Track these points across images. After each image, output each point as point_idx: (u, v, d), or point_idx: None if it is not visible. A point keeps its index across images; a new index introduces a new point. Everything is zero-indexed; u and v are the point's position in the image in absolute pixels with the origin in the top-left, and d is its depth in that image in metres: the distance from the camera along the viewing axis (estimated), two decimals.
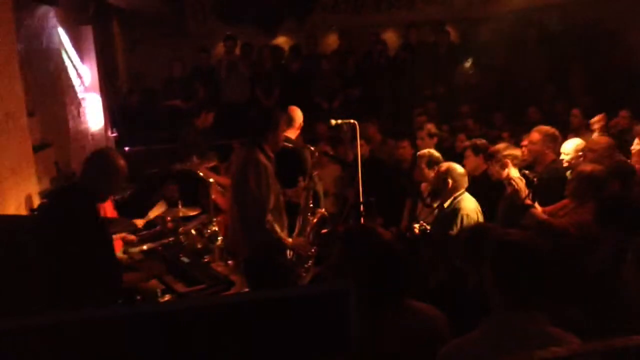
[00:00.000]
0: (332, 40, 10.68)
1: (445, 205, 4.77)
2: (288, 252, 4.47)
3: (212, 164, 6.08)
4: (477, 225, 4.17)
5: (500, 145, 5.19)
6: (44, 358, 1.60)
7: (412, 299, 2.72)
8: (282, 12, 8.93)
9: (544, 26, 9.75)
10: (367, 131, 6.63)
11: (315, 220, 4.75)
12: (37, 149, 5.67)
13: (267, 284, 4.18)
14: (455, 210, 4.64)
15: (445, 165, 4.88)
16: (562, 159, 5.16)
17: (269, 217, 4.21)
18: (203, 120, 7.31)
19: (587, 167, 4.36)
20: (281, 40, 10.38)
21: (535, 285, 2.23)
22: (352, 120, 4.85)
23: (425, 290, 2.91)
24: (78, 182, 3.69)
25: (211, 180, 5.49)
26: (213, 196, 5.40)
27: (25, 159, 5.30)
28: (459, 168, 4.82)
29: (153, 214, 5.29)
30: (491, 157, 5.08)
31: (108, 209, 5.29)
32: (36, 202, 5.23)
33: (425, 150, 5.64)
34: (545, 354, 1.43)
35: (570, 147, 5.20)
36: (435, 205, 4.99)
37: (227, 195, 5.36)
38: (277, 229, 4.28)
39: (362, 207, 4.82)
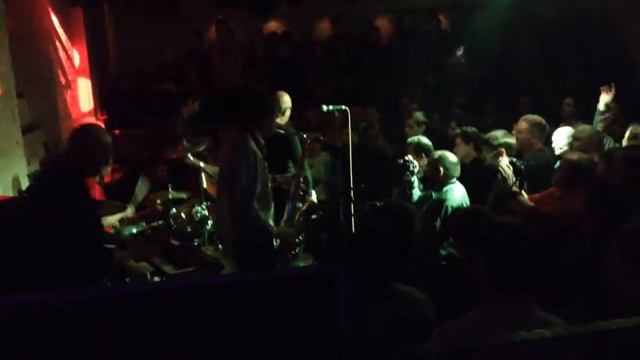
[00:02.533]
0: (324, 27, 10.64)
1: (433, 194, 4.80)
2: (274, 239, 4.48)
3: (201, 148, 6.07)
4: (469, 209, 4.20)
5: (498, 132, 5.22)
6: (32, 338, 1.61)
7: (399, 282, 2.75)
8: None
9: (536, 15, 9.76)
10: (366, 115, 6.66)
11: (304, 208, 4.77)
12: (26, 130, 5.64)
13: (255, 267, 4.20)
14: (441, 201, 4.67)
15: (437, 153, 4.90)
16: (554, 147, 5.21)
17: (255, 204, 4.22)
18: (189, 107, 7.29)
19: (574, 156, 4.40)
20: (274, 26, 10.33)
21: (525, 270, 2.26)
22: (343, 107, 4.86)
23: (412, 274, 2.94)
24: (64, 159, 3.65)
25: (201, 164, 5.49)
26: (204, 184, 5.40)
27: (14, 140, 5.28)
28: (451, 156, 4.83)
29: (139, 194, 5.30)
30: (486, 142, 5.12)
31: (96, 193, 5.28)
32: (25, 183, 5.21)
33: (415, 137, 5.67)
34: (530, 335, 1.45)
35: (562, 135, 5.24)
36: (424, 193, 5.02)
37: (216, 182, 5.37)
38: (262, 216, 4.29)
39: (352, 193, 4.84)
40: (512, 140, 5.15)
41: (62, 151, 6.00)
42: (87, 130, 3.70)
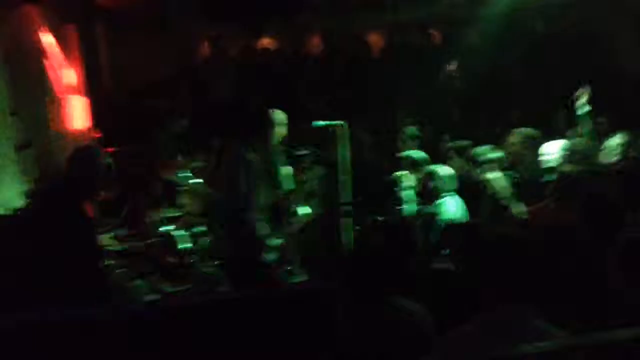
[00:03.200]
0: (317, 42, 10.69)
1: (427, 208, 4.82)
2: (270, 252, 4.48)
3: (196, 165, 6.06)
4: (465, 222, 4.22)
5: (483, 149, 5.27)
6: (29, 355, 1.60)
7: (397, 296, 2.75)
8: (268, 12, 8.93)
9: (528, 28, 9.83)
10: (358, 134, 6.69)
11: (300, 223, 4.77)
12: (19, 148, 5.62)
13: (249, 283, 4.19)
14: (434, 214, 4.69)
15: (430, 167, 4.93)
16: (546, 160, 5.24)
17: (254, 215, 4.23)
18: (177, 124, 7.29)
19: (567, 168, 4.44)
20: (267, 41, 10.38)
21: (522, 281, 2.27)
22: (337, 122, 4.88)
23: (407, 288, 2.94)
24: (63, 180, 3.65)
25: (185, 184, 5.47)
26: (186, 199, 5.38)
27: (8, 158, 5.26)
28: (444, 170, 4.85)
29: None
30: (473, 160, 5.16)
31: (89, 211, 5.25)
32: (19, 201, 5.18)
33: (408, 152, 5.69)
34: (531, 348, 1.46)
35: (553, 148, 5.28)
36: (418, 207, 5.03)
37: (199, 199, 5.37)
38: (261, 228, 4.29)
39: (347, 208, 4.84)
40: (498, 154, 5.17)
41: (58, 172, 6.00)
42: (85, 151, 3.70)
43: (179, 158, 5.61)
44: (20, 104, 6.03)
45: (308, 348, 1.74)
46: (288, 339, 1.74)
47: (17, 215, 4.77)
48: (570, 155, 5.14)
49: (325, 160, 5.30)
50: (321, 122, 4.79)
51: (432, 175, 4.79)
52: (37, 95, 6.52)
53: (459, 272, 3.23)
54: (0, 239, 3.59)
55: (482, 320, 2.28)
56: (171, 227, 5.20)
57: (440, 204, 4.72)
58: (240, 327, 1.73)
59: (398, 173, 4.96)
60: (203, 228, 5.01)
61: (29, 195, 5.26)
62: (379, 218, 3.91)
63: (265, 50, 10.03)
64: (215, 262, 4.68)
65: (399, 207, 5.01)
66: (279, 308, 1.76)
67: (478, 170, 5.13)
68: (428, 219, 4.70)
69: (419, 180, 5.10)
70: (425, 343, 2.51)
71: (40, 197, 4.11)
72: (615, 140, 5.36)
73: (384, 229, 3.34)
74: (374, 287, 2.68)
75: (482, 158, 5.12)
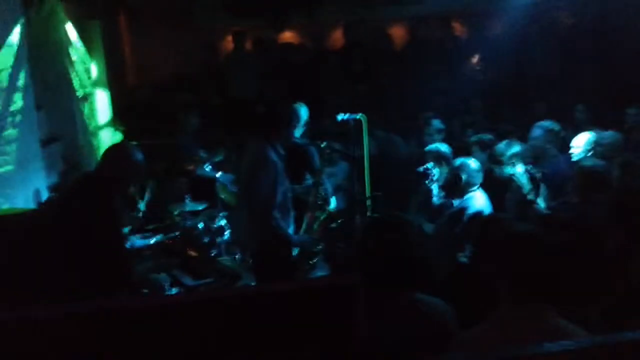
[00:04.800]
0: (338, 36, 10.66)
1: (454, 202, 4.77)
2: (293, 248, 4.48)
3: (218, 159, 6.09)
4: (487, 217, 4.17)
5: (502, 145, 5.20)
6: (53, 350, 1.61)
7: (419, 292, 2.72)
8: (290, 6, 8.91)
9: (552, 20, 9.70)
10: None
11: (323, 217, 4.76)
12: (44, 142, 5.70)
13: (273, 278, 4.20)
14: (462, 209, 4.64)
15: (459, 161, 4.88)
16: (573, 153, 5.16)
17: (275, 214, 4.22)
18: (189, 121, 7.27)
19: (589, 162, 4.37)
20: (288, 35, 10.38)
21: (542, 277, 2.23)
22: (359, 115, 4.85)
23: (431, 284, 2.91)
24: (95, 174, 3.67)
25: (218, 175, 5.52)
26: (221, 194, 5.41)
27: (33, 152, 5.33)
28: (472, 164, 4.79)
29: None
30: (495, 155, 5.10)
31: None
32: (44, 195, 5.25)
33: (433, 145, 5.64)
34: (554, 347, 1.43)
35: (580, 141, 5.20)
36: (445, 201, 4.99)
37: (232, 191, 5.39)
38: (283, 225, 4.29)
39: (368, 202, 4.82)
40: (517, 148, 5.09)
41: (80, 165, 6.07)
42: (121, 149, 3.72)
43: (202, 153, 5.62)
44: (46, 99, 6.11)
45: (327, 343, 1.72)
46: (307, 333, 1.72)
47: (42, 210, 4.83)
48: (598, 148, 5.05)
49: (347, 154, 5.27)
50: (343, 116, 4.77)
51: (462, 168, 4.72)
52: (62, 89, 6.59)
53: (482, 266, 3.19)
54: (27, 234, 3.63)
55: (500, 318, 2.26)
56: (194, 221, 5.24)
57: (469, 198, 4.67)
58: (259, 322, 1.72)
59: (426, 166, 4.91)
60: (224, 222, 5.03)
61: (53, 189, 5.33)
62: (375, 215, 3.87)
63: (288, 44, 10.02)
64: (236, 257, 4.71)
65: (427, 200, 4.98)
66: (299, 302, 1.74)
67: (501, 165, 5.06)
68: (457, 213, 4.66)
69: (445, 173, 5.05)
70: (448, 339, 2.49)
71: (67, 192, 4.14)
72: None
73: (377, 226, 3.26)
74: (376, 282, 2.64)
75: (505, 153, 5.05)
